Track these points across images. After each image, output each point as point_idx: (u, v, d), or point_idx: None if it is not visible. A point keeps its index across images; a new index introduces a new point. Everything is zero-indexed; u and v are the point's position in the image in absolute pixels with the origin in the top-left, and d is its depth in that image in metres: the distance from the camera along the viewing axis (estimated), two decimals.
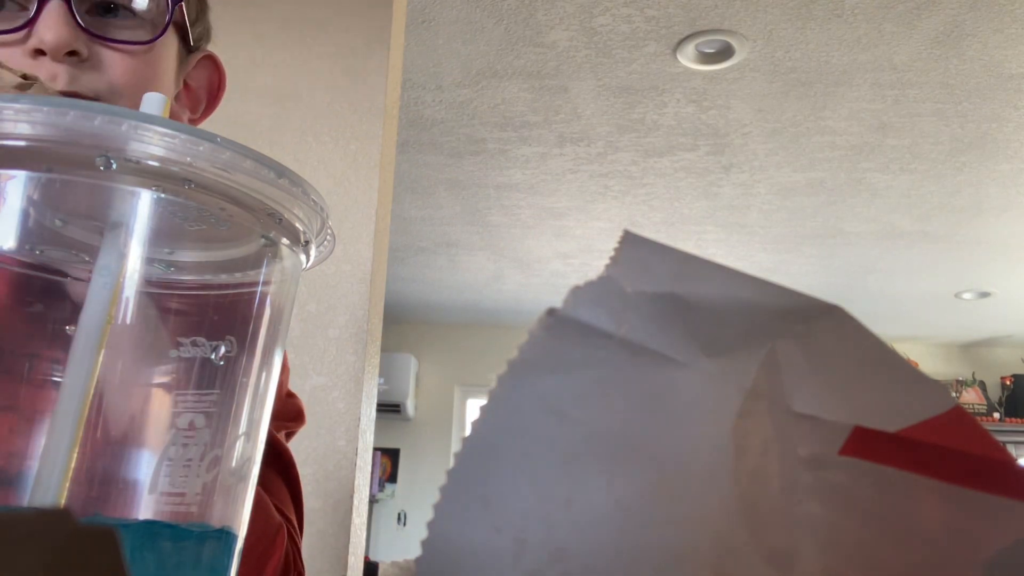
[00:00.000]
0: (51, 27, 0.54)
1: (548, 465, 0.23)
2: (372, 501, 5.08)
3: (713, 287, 0.24)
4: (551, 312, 0.23)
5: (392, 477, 5.28)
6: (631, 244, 0.24)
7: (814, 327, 0.23)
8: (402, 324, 5.33)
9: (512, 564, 0.22)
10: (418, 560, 0.22)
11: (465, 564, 0.22)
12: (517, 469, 0.23)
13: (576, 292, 0.24)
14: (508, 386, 0.23)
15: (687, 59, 2.39)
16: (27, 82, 0.46)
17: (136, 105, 0.59)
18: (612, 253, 0.24)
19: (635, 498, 0.23)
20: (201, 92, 0.72)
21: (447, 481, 0.22)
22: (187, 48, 0.66)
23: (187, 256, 0.36)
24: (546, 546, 0.22)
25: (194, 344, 0.34)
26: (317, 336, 1.57)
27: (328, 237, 0.37)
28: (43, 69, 0.54)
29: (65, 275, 0.35)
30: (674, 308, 0.23)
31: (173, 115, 0.68)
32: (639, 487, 0.23)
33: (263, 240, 0.35)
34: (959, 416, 0.23)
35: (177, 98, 0.68)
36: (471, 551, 0.22)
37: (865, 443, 0.23)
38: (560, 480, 0.23)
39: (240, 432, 0.35)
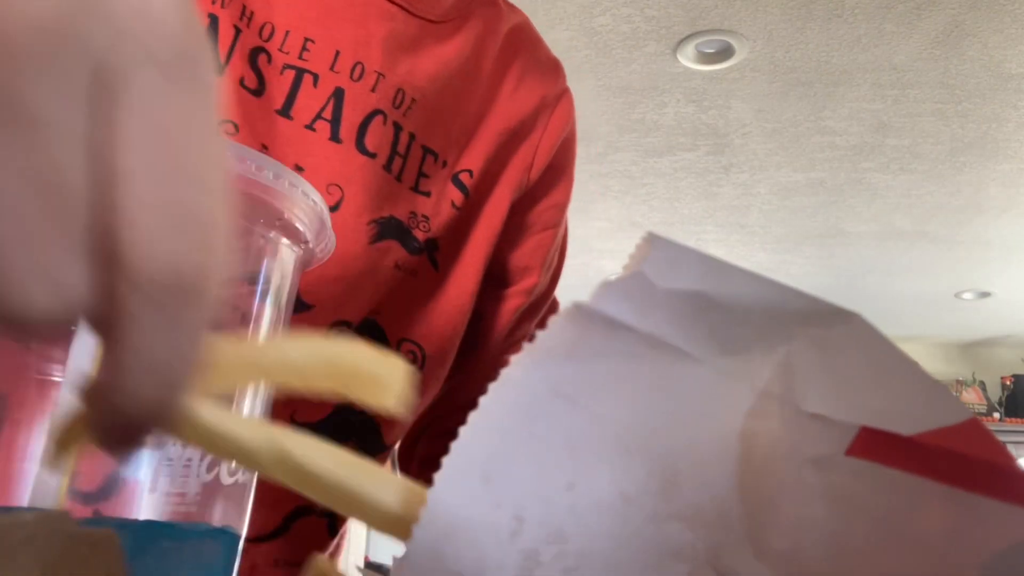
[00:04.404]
0: None
1: (553, 448, 0.23)
2: None
3: (737, 288, 0.24)
4: (577, 304, 0.23)
5: None
6: (659, 245, 0.24)
7: (832, 332, 0.23)
8: None
9: (509, 540, 0.22)
10: (415, 528, 0.22)
11: (462, 536, 0.22)
12: (522, 449, 0.23)
13: (605, 286, 0.24)
14: (522, 367, 0.23)
15: (687, 59, 2.39)
16: None
17: None
18: (634, 252, 0.24)
19: (638, 489, 0.23)
20: None
21: (450, 454, 0.22)
22: None
23: None
24: (544, 526, 0.22)
25: None
26: None
27: (328, 237, 0.37)
28: None
29: None
30: (701, 306, 0.23)
31: None
32: (643, 478, 0.23)
33: (263, 240, 0.35)
34: (971, 423, 0.23)
35: None
36: (468, 524, 0.22)
37: (871, 444, 0.23)
38: (564, 464, 0.23)
39: None
